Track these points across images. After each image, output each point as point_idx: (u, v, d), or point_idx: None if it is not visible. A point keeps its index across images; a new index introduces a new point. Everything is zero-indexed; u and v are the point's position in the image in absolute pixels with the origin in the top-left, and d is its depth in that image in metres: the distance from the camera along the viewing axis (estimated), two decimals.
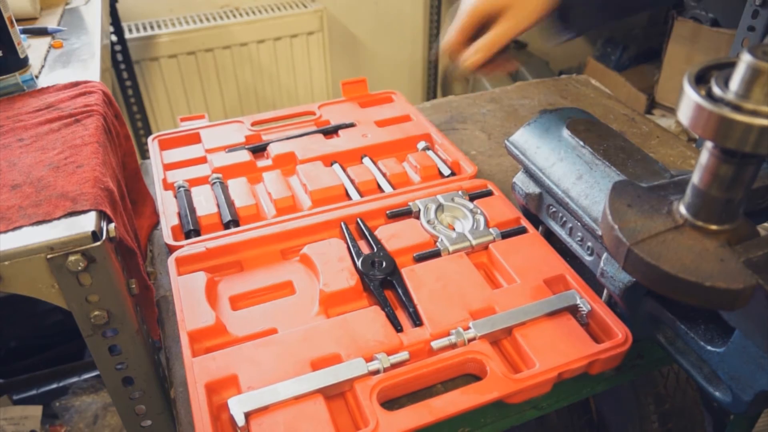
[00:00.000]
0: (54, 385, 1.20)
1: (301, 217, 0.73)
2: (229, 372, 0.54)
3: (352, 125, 0.93)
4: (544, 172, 0.64)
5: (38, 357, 1.29)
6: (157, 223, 0.79)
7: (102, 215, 0.55)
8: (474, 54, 0.70)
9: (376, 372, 0.54)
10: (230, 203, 0.76)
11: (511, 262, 0.66)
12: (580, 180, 0.60)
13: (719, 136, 0.35)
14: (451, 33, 0.71)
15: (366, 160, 0.86)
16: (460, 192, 0.76)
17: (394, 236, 0.70)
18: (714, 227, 0.41)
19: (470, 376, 0.57)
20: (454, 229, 0.71)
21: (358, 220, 0.72)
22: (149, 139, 0.89)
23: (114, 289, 0.55)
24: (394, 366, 0.55)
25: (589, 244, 0.60)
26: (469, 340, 0.57)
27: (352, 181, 0.81)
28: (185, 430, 0.55)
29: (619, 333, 0.57)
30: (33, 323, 1.33)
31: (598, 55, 2.26)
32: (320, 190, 0.78)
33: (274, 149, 0.87)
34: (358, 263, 0.66)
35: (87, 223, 0.53)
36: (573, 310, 0.60)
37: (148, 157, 0.87)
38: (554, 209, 0.66)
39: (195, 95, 1.98)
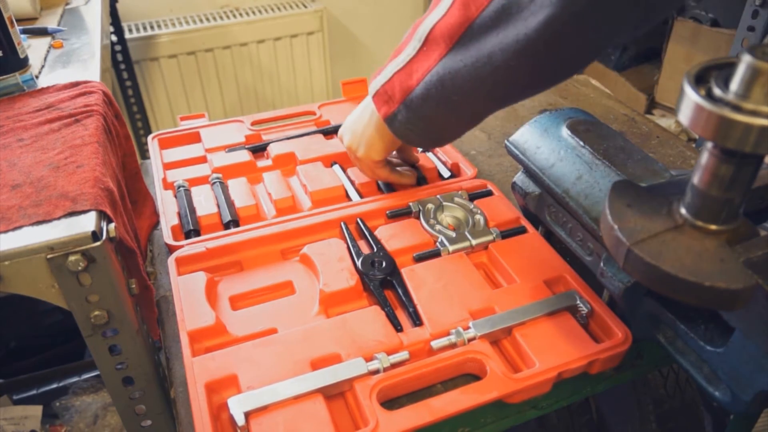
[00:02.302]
0: (54, 385, 1.19)
1: (301, 217, 0.73)
2: (229, 372, 0.54)
3: None
4: (544, 172, 0.64)
5: (38, 357, 1.29)
6: (157, 223, 0.79)
7: (102, 215, 0.55)
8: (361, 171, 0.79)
9: (376, 372, 0.54)
10: (230, 203, 0.76)
11: (511, 262, 0.66)
12: (580, 180, 0.60)
13: (719, 136, 0.35)
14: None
15: None
16: (460, 192, 0.76)
17: (394, 236, 0.70)
18: (714, 227, 0.41)
19: (470, 376, 0.57)
20: (454, 229, 0.71)
21: (358, 220, 0.72)
22: (149, 138, 0.89)
23: (114, 289, 0.55)
24: (394, 366, 0.55)
25: (589, 244, 0.60)
26: (469, 340, 0.57)
27: (352, 182, 0.81)
28: (185, 430, 0.55)
29: (619, 333, 0.57)
30: (33, 323, 1.33)
31: None
32: (320, 191, 0.78)
33: (274, 149, 0.87)
34: (358, 263, 0.66)
35: (87, 223, 0.53)
36: (573, 310, 0.60)
37: (148, 158, 0.87)
38: (554, 209, 0.66)
39: (195, 95, 1.98)
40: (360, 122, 0.73)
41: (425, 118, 0.62)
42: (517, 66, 0.51)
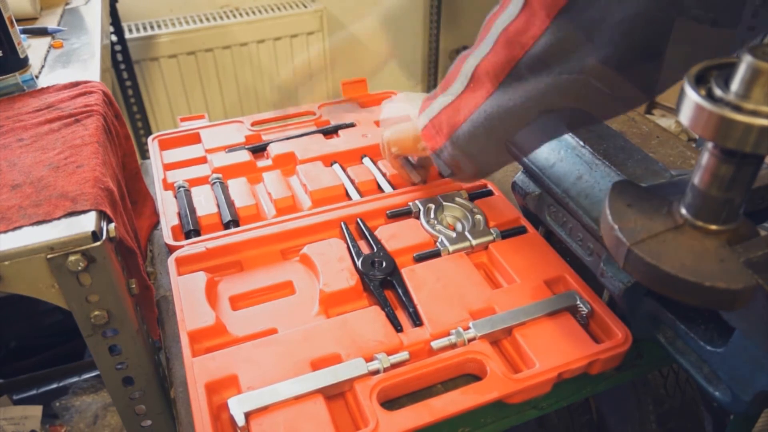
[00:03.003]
0: (54, 385, 1.19)
1: (301, 217, 0.73)
2: (229, 372, 0.54)
3: (352, 125, 0.93)
4: (544, 172, 0.64)
5: (38, 357, 1.29)
6: (157, 223, 0.79)
7: (102, 215, 0.55)
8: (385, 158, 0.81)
9: (376, 372, 0.54)
10: (230, 203, 0.76)
11: (511, 262, 0.66)
12: (580, 180, 0.60)
13: (719, 136, 0.35)
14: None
15: (366, 160, 0.86)
16: (460, 192, 0.76)
17: (394, 236, 0.70)
18: (714, 227, 0.41)
19: (470, 376, 0.57)
20: (454, 229, 0.71)
21: (358, 220, 0.72)
22: (149, 139, 0.89)
23: (114, 289, 0.55)
24: (394, 366, 0.55)
25: (589, 244, 0.60)
26: (469, 340, 0.57)
27: (352, 181, 0.81)
28: (185, 430, 0.55)
29: (619, 333, 0.57)
30: (33, 323, 1.33)
31: None
32: (320, 190, 0.78)
33: (274, 149, 0.87)
34: (358, 263, 0.66)
35: (87, 223, 0.53)
36: (573, 310, 0.60)
37: (148, 157, 0.87)
38: (554, 209, 0.66)
39: (195, 95, 1.98)
40: (408, 129, 0.74)
41: (470, 154, 0.63)
42: (570, 105, 0.51)
